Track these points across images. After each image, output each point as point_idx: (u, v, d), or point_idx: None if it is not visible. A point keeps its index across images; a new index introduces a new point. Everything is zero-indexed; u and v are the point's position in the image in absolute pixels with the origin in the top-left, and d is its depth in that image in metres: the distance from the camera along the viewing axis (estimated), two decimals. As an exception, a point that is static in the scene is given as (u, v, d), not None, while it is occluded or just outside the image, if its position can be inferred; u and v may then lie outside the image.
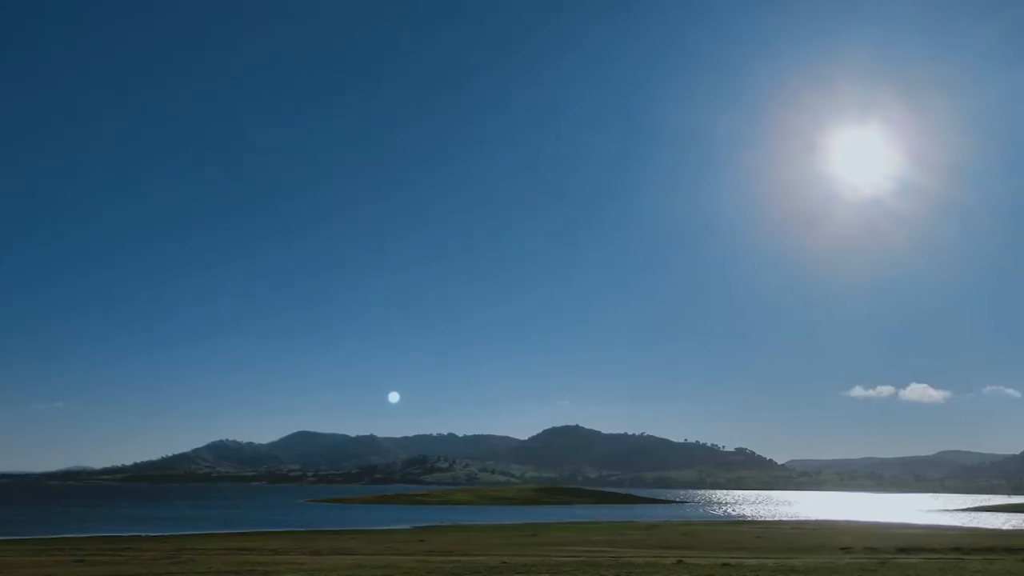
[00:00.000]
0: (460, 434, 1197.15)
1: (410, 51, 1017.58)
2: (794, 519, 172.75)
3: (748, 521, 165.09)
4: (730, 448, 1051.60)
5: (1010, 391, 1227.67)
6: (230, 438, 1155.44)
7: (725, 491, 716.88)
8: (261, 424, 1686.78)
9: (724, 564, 47.11)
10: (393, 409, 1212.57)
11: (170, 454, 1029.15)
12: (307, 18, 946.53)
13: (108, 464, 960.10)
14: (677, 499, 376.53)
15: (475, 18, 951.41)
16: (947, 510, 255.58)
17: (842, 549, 71.34)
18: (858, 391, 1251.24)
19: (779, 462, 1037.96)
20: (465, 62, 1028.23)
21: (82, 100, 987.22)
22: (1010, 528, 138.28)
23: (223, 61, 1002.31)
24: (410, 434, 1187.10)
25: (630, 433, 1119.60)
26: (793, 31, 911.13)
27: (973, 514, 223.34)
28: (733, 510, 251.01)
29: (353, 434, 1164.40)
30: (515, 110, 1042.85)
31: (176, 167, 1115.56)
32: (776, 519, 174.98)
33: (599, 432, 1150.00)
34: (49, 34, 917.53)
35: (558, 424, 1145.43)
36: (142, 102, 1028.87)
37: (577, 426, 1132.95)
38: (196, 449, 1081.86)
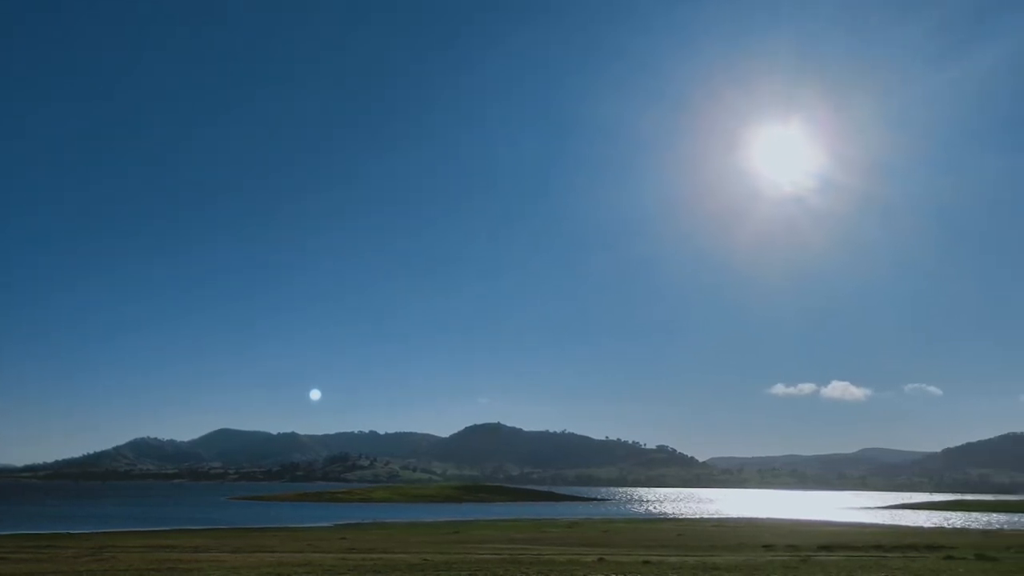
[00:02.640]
0: (382, 432, 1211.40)
1: (331, 49, 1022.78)
2: (716, 517, 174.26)
3: (670, 519, 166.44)
4: (652, 446, 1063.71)
5: (931, 389, 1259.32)
6: (152, 436, 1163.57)
7: (647, 489, 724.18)
8: (183, 422, 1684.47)
9: (645, 562, 47.28)
10: (315, 407, 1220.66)
11: (92, 452, 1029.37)
12: (226, 18, 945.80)
13: (29, 462, 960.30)
14: (599, 497, 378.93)
15: (396, 17, 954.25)
16: (868, 508, 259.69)
17: (764, 547, 72.07)
18: (780, 388, 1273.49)
19: (701, 460, 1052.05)
20: (386, 60, 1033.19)
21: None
22: (931, 526, 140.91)
23: (142, 61, 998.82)
24: (332, 432, 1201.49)
25: (552, 431, 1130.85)
26: (715, 29, 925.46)
27: (894, 512, 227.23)
28: (655, 508, 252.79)
29: (275, 432, 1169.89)
30: (436, 108, 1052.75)
31: (94, 166, 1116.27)
32: (697, 517, 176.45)
33: (521, 430, 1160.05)
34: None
35: (480, 422, 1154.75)
36: (61, 102, 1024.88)
37: (499, 424, 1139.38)
38: (118, 447, 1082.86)
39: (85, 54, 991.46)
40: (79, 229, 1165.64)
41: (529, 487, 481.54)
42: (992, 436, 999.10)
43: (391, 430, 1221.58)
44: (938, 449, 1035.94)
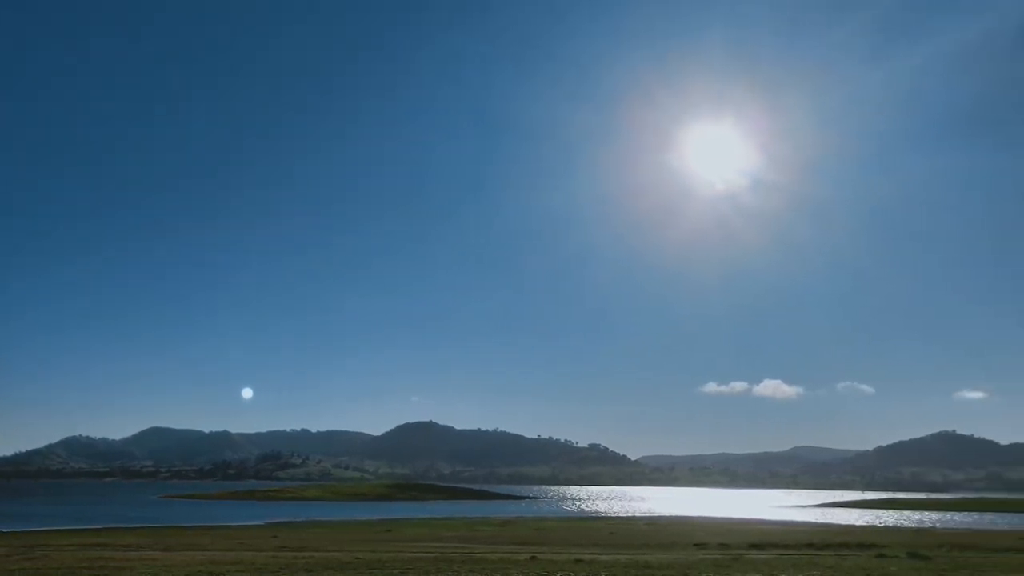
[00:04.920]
0: (314, 430, 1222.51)
1: (262, 50, 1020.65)
2: (647, 515, 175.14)
3: (602, 517, 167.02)
4: (584, 444, 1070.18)
5: (863, 387, 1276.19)
6: (83, 434, 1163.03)
7: (579, 487, 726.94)
8: (115, 420, 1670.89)
9: (577, 560, 47.37)
10: (247, 405, 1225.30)
11: (23, 450, 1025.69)
12: (161, 16, 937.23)
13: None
14: (531, 495, 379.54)
15: (326, 17, 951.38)
16: (800, 506, 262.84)
17: (695, 545, 72.51)
18: (711, 387, 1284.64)
19: (632, 458, 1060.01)
20: (316, 60, 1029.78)
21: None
22: (863, 524, 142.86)
23: (73, 60, 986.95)
24: (264, 430, 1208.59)
25: (484, 429, 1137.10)
26: (647, 29, 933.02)
27: (826, 510, 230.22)
28: (587, 506, 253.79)
29: (207, 430, 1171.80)
30: (367, 108, 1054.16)
31: (28, 163, 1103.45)
32: (629, 515, 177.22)
33: (453, 428, 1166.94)
34: None
35: (412, 420, 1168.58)
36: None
37: (431, 422, 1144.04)
38: (49, 445, 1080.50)
39: (14, 53, 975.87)
40: (7, 228, 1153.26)
41: (461, 485, 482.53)
42: (924, 435, 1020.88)
43: (323, 428, 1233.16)
44: (870, 448, 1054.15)
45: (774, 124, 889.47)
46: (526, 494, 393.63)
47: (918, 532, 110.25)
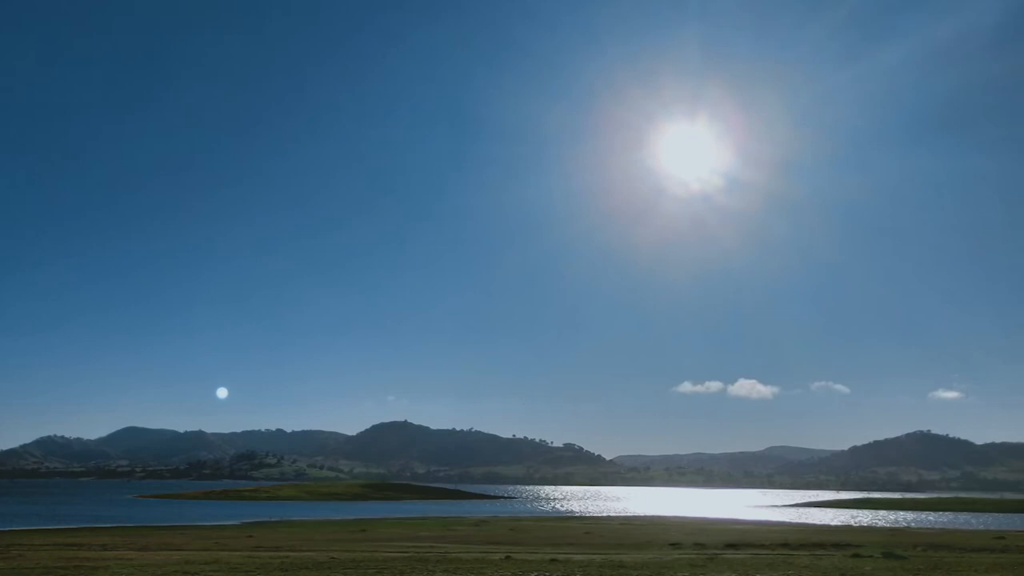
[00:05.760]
0: (289, 430, 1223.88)
1: (233, 47, 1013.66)
2: (623, 515, 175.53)
3: (576, 517, 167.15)
4: (559, 444, 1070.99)
5: (838, 387, 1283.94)
6: (58, 434, 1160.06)
7: (553, 487, 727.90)
8: (90, 420, 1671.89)
9: (552, 560, 47.32)
10: (222, 405, 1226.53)
11: None
12: (134, 14, 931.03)
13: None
14: (506, 495, 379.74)
15: (298, 16, 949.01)
16: (775, 506, 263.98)
17: (671, 545, 72.62)
18: (687, 386, 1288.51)
19: (607, 458, 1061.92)
20: (289, 58, 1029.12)
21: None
22: (838, 524, 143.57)
23: (51, 56, 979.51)
24: (239, 430, 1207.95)
25: (459, 429, 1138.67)
26: (621, 27, 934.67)
27: (801, 510, 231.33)
28: (561, 506, 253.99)
29: (182, 430, 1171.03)
30: (341, 106, 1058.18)
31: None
32: (604, 515, 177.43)
33: (428, 428, 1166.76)
34: None
35: (387, 420, 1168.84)
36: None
37: (406, 422, 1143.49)
38: (24, 445, 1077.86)
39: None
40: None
41: (436, 485, 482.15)
42: (899, 434, 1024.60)
43: (298, 428, 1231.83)
44: (845, 447, 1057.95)
45: (748, 123, 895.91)
46: (501, 494, 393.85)
47: (893, 532, 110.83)
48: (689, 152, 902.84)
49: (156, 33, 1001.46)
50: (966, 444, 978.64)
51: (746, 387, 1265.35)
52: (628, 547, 69.63)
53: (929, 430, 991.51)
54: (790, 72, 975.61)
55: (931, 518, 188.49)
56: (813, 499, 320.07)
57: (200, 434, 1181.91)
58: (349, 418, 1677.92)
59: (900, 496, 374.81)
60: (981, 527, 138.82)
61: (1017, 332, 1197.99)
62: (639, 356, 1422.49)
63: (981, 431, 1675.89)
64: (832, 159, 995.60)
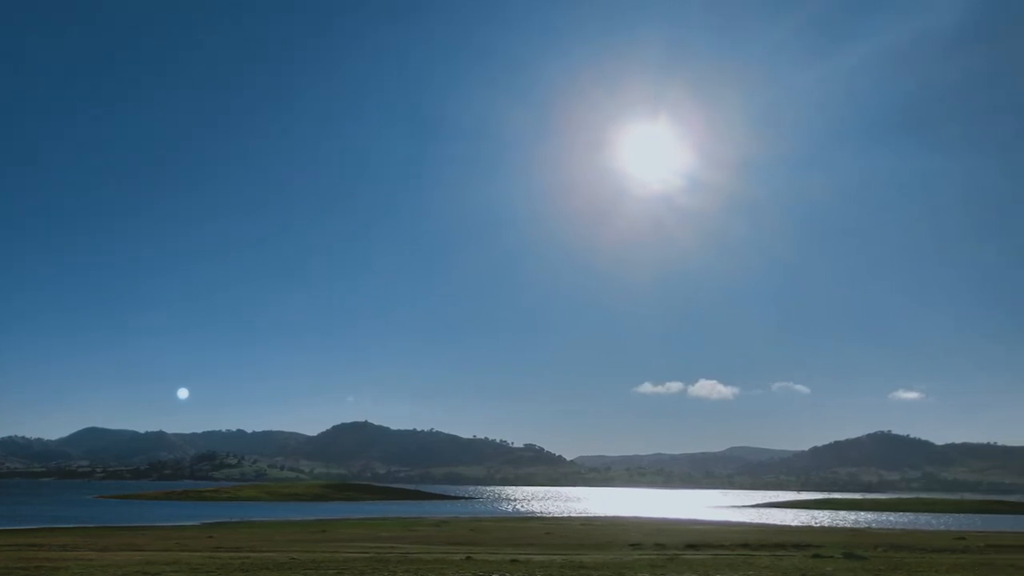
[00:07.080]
0: (250, 430, 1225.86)
1: (193, 48, 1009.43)
2: (583, 515, 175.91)
3: (537, 517, 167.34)
4: (519, 444, 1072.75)
5: (799, 387, 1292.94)
6: (18, 434, 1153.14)
7: (514, 487, 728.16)
8: (50, 420, 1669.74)
9: (513, 560, 47.38)
10: (182, 405, 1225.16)
11: None
12: (90, 15, 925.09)
13: None
14: (466, 495, 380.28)
15: (258, 15, 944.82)
16: (736, 506, 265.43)
17: (631, 545, 72.87)
18: (647, 387, 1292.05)
19: (568, 458, 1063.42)
20: (249, 60, 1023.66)
21: None
22: (798, 524, 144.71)
23: (4, 58, 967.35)
24: (199, 430, 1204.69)
25: (419, 429, 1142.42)
26: (583, 27, 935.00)
27: (762, 510, 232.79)
28: (522, 506, 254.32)
29: (142, 430, 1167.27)
30: (301, 106, 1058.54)
31: None
32: (565, 515, 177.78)
33: (388, 428, 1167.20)
34: None
35: (347, 420, 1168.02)
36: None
37: (366, 422, 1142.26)
38: None
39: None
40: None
41: (397, 486, 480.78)
42: (860, 435, 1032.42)
43: (259, 428, 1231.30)
44: (806, 448, 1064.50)
45: (709, 123, 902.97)
46: (461, 494, 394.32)
47: (854, 532, 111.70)
48: (650, 152, 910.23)
49: (110, 34, 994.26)
50: (927, 445, 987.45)
51: (707, 388, 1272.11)
52: (589, 547, 69.81)
53: (890, 431, 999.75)
54: (751, 72, 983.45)
55: (892, 518, 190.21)
56: (774, 499, 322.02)
57: (161, 434, 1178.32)
58: (310, 419, 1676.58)
59: (861, 497, 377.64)
60: (942, 527, 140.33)
61: (978, 333, 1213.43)
62: (600, 357, 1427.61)
63: (942, 432, 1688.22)
64: (793, 159, 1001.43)
